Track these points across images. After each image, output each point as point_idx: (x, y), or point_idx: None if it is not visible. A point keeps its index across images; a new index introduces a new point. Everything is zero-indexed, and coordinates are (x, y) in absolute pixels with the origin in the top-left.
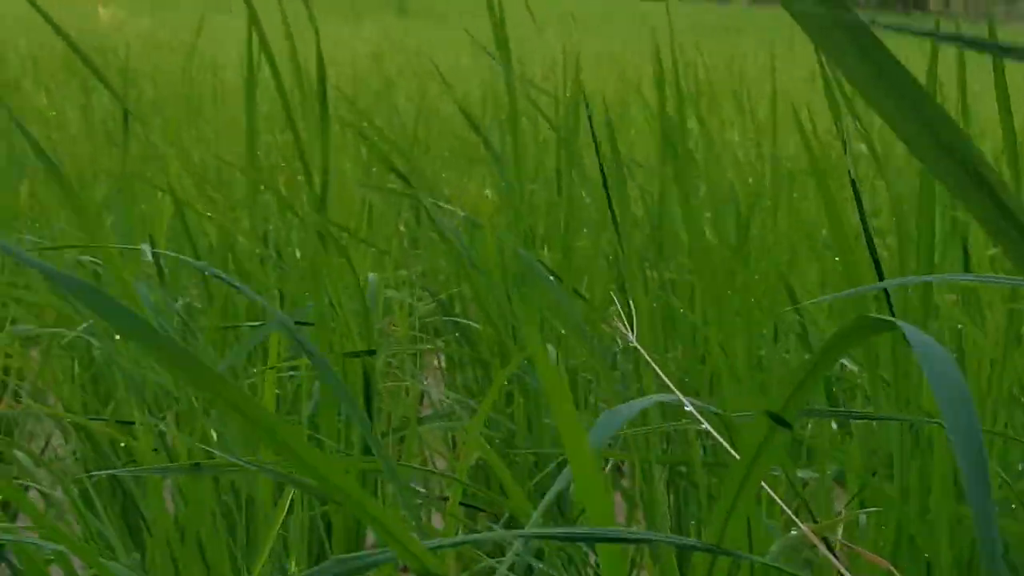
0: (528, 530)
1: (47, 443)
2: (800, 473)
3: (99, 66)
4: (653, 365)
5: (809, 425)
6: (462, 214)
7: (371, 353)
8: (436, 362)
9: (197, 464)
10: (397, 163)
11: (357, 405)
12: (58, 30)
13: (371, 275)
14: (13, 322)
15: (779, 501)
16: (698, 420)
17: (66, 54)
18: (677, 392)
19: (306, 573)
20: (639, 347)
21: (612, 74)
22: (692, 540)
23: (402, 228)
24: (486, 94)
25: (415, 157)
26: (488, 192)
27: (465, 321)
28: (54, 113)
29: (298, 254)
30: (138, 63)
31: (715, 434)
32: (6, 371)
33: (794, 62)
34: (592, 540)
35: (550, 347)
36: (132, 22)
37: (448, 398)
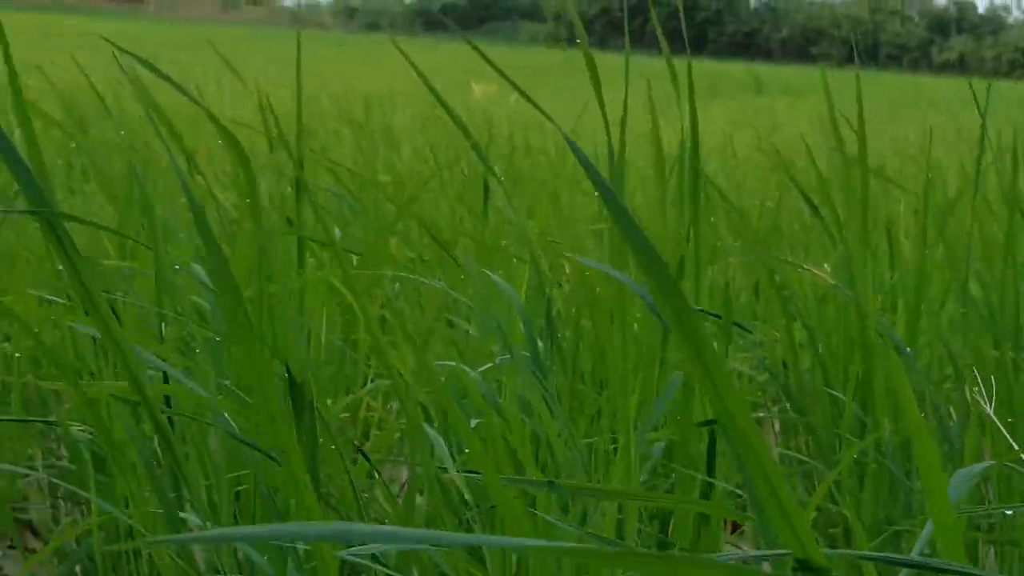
0: None
1: (401, 489)
2: None
3: (473, 139)
4: (1005, 434)
5: None
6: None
7: (713, 423)
8: (772, 428)
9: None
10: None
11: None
12: (445, 107)
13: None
14: (373, 379)
15: None
16: None
17: (428, 123)
18: None
19: None
20: (994, 418)
21: (954, 155)
22: None
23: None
24: (828, 169)
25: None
26: (827, 266)
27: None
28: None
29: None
30: (516, 139)
31: None
32: (367, 423)
33: None
34: None
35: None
36: (502, 98)
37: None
